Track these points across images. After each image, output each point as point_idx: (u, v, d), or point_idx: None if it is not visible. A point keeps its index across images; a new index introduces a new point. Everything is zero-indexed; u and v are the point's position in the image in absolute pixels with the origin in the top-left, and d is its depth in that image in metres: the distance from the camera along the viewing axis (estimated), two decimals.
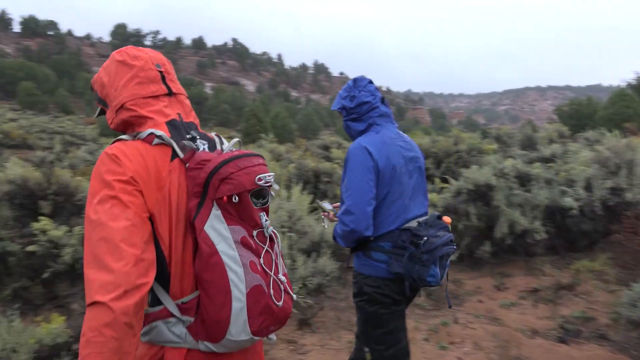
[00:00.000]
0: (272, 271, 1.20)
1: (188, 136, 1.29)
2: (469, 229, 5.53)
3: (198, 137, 1.31)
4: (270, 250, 1.22)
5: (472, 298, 4.71)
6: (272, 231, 1.26)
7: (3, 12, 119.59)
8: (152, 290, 1.21)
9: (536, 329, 3.94)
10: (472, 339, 3.81)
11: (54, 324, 3.22)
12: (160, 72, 1.36)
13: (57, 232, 5.78)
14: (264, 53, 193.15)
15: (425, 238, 2.01)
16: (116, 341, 1.01)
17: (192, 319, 1.17)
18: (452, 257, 2.16)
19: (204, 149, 1.27)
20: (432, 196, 6.04)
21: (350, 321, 4.10)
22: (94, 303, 1.01)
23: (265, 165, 1.25)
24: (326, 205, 2.59)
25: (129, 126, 1.34)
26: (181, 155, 1.22)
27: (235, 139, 1.38)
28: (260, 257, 1.19)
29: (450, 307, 2.32)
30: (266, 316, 1.16)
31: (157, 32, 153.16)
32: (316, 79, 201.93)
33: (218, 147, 1.36)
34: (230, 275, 1.12)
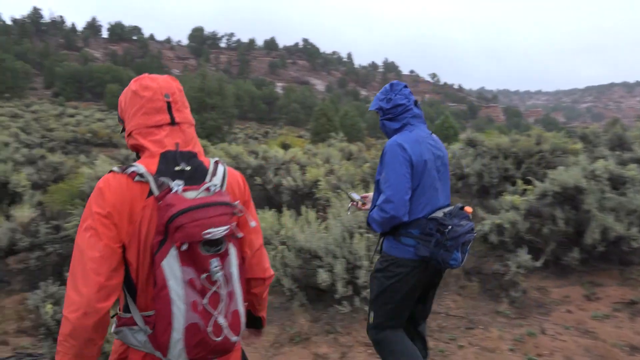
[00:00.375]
0: (222, 306, 1.34)
1: (177, 168, 1.42)
2: (555, 234, 5.20)
3: (188, 168, 1.44)
4: (217, 291, 1.33)
5: (560, 308, 4.41)
6: (226, 273, 1.36)
7: (93, 19, 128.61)
8: (125, 300, 1.45)
9: (635, 346, 3.62)
10: (563, 352, 3.56)
11: None
12: (168, 102, 1.50)
13: None
14: (334, 52, 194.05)
15: (450, 227, 2.30)
16: (78, 348, 1.32)
17: (152, 331, 1.35)
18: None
19: (177, 190, 1.35)
20: (514, 198, 5.75)
21: (429, 326, 3.98)
22: (64, 316, 1.31)
23: (228, 214, 1.36)
24: (355, 195, 2.84)
25: (135, 150, 1.54)
26: (156, 193, 1.35)
27: (219, 175, 1.47)
28: (204, 298, 1.31)
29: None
30: (201, 348, 1.31)
31: (231, 35, 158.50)
32: (386, 77, 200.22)
33: (208, 177, 1.45)
34: (174, 310, 1.27)
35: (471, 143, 10.42)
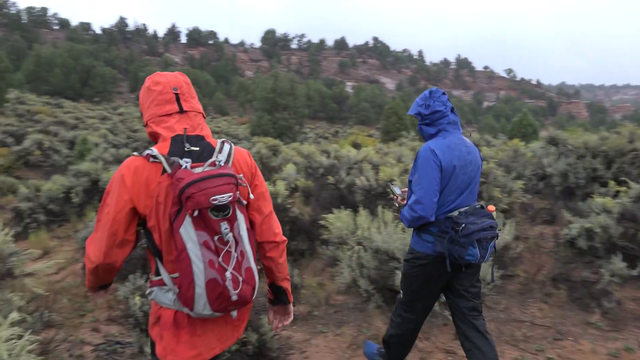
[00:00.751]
0: (232, 267, 1.55)
1: (185, 148, 1.65)
2: None
3: (196, 148, 1.67)
4: (230, 251, 1.56)
5: None
6: (236, 235, 1.58)
7: (173, 26, 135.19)
8: (155, 264, 1.69)
9: None
10: None
11: None
12: (176, 94, 1.75)
13: None
14: (405, 50, 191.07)
15: (463, 225, 2.46)
16: (95, 279, 1.74)
17: (179, 290, 1.55)
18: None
19: (186, 166, 1.58)
20: (606, 200, 5.34)
21: (514, 336, 3.78)
22: (87, 256, 1.67)
23: (232, 184, 1.57)
24: (396, 189, 2.99)
25: (153, 138, 1.76)
26: (169, 170, 1.58)
27: (225, 153, 1.71)
28: (219, 257, 1.53)
29: (492, 280, 2.78)
30: (222, 300, 1.53)
31: (302, 36, 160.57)
32: (458, 74, 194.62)
33: (214, 155, 1.67)
34: (194, 268, 1.49)
35: (553, 141, 9.84)
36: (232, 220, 1.58)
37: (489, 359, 2.53)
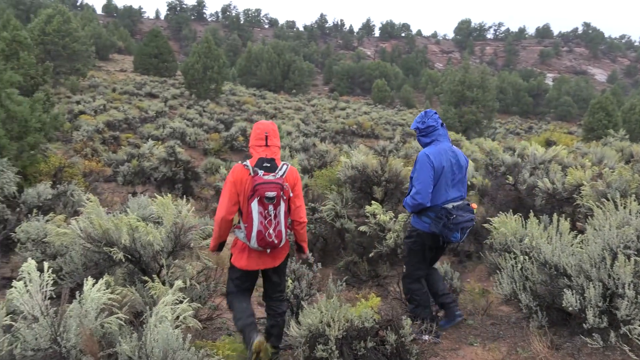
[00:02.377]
0: (273, 225, 3.07)
1: (265, 165, 3.17)
2: None
3: (268, 165, 3.18)
4: (271, 220, 3.06)
5: None
6: (277, 213, 3.09)
7: (368, 20, 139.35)
8: (239, 218, 3.26)
9: None
10: None
11: (371, 303, 3.44)
12: (266, 135, 3.26)
13: (384, 216, 6.26)
14: (622, 36, 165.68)
15: (454, 216, 3.50)
16: (219, 230, 3.28)
17: (245, 232, 3.13)
18: None
19: (260, 174, 3.11)
20: None
21: None
22: (214, 219, 3.31)
23: (277, 188, 3.06)
24: None
25: (251, 154, 3.28)
26: (252, 174, 3.10)
27: (282, 170, 3.22)
28: (266, 221, 3.04)
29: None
30: (263, 241, 3.06)
31: (499, 25, 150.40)
32: None
33: (276, 171, 3.18)
34: (254, 223, 3.03)
35: None
36: (276, 206, 3.10)
37: (437, 279, 4.00)
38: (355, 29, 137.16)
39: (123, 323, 2.45)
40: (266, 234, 3.02)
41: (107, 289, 2.61)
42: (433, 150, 3.60)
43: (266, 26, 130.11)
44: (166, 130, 22.98)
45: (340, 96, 67.54)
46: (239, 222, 3.25)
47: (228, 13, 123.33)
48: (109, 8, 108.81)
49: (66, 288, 2.39)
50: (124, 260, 3.34)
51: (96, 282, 2.49)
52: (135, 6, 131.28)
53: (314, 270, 4.16)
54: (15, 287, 2.21)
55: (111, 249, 3.29)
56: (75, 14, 52.11)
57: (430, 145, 3.68)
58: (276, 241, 3.07)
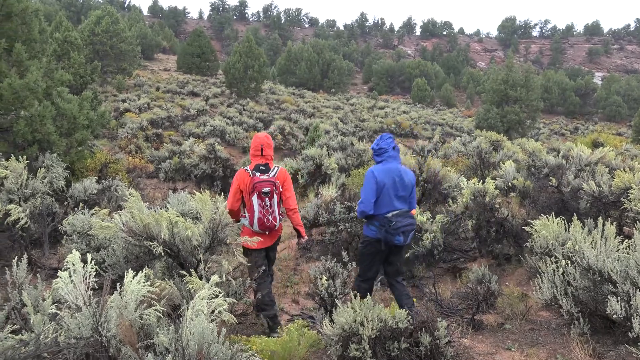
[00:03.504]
0: (270, 212, 4.14)
1: (261, 168, 4.24)
2: None
3: (263, 168, 4.24)
4: (268, 209, 4.13)
5: None
6: (272, 204, 4.16)
7: (409, 19, 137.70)
8: (243, 209, 4.31)
9: None
10: None
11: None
12: (261, 146, 4.30)
13: (421, 217, 6.18)
14: None
15: (393, 222, 4.07)
16: (231, 216, 4.20)
17: (248, 220, 4.19)
18: None
19: (257, 175, 4.18)
20: None
21: None
22: (227, 207, 4.21)
23: (270, 184, 4.14)
24: None
25: (251, 161, 4.37)
26: (251, 175, 4.18)
27: (274, 171, 4.30)
28: (264, 210, 4.11)
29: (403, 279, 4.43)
30: (263, 225, 4.12)
31: (546, 22, 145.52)
32: None
33: (269, 172, 4.24)
34: (255, 212, 4.11)
35: None
36: (270, 198, 4.11)
37: (402, 293, 4.22)
38: (396, 28, 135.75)
39: (161, 315, 2.52)
40: (265, 219, 4.10)
41: (147, 281, 2.69)
42: (380, 168, 4.24)
43: (306, 25, 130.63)
44: (207, 128, 23.42)
45: (379, 95, 67.11)
46: (244, 212, 4.29)
47: (269, 13, 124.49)
48: (154, 9, 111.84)
49: (108, 279, 2.48)
50: (163, 254, 3.43)
51: (136, 275, 2.57)
52: (180, 7, 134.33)
53: (348, 268, 4.17)
54: (61, 278, 2.31)
55: (151, 243, 3.39)
56: (122, 15, 53.88)
57: (380, 163, 4.30)
58: (274, 224, 4.17)
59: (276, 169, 4.25)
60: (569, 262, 3.82)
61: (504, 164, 9.85)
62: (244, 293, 3.79)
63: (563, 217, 4.48)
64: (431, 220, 6.34)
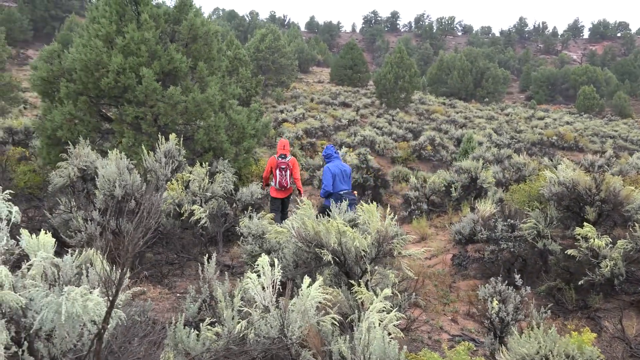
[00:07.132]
0: (284, 179, 8.10)
1: (281, 156, 8.15)
2: None
3: (283, 156, 8.13)
4: (285, 177, 8.08)
5: None
6: (286, 175, 8.10)
7: (575, 21, 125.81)
8: (271, 176, 8.31)
9: None
10: None
11: (585, 338, 3.05)
12: (283, 146, 8.27)
13: (598, 241, 5.55)
14: None
15: (343, 196, 7.49)
16: (264, 180, 8.53)
17: (274, 183, 8.21)
18: None
19: (280, 159, 8.10)
20: None
21: None
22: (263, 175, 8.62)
23: (286, 163, 8.10)
24: None
25: (277, 151, 8.33)
26: (277, 159, 8.15)
27: (288, 158, 8.23)
28: (282, 178, 8.12)
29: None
30: (280, 184, 8.12)
31: None
32: None
33: (286, 159, 8.11)
34: (278, 178, 8.11)
35: None
36: (285, 171, 8.04)
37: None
38: (559, 32, 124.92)
39: (336, 322, 2.59)
40: (282, 181, 7.92)
41: (319, 288, 2.79)
42: (331, 165, 7.67)
43: (459, 33, 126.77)
44: (357, 137, 23.96)
45: (538, 104, 62.20)
46: (271, 179, 8.11)
47: (421, 22, 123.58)
48: (311, 24, 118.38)
49: (290, 284, 2.62)
50: (331, 262, 3.55)
51: (312, 281, 2.68)
52: (334, 22, 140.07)
53: (521, 293, 3.85)
54: (250, 278, 2.50)
55: (321, 250, 3.52)
56: (283, 32, 57.92)
57: (330, 162, 7.76)
58: (286, 185, 7.97)
59: (289, 157, 8.11)
60: None
61: None
62: (408, 307, 3.74)
63: None
64: (611, 245, 5.63)
